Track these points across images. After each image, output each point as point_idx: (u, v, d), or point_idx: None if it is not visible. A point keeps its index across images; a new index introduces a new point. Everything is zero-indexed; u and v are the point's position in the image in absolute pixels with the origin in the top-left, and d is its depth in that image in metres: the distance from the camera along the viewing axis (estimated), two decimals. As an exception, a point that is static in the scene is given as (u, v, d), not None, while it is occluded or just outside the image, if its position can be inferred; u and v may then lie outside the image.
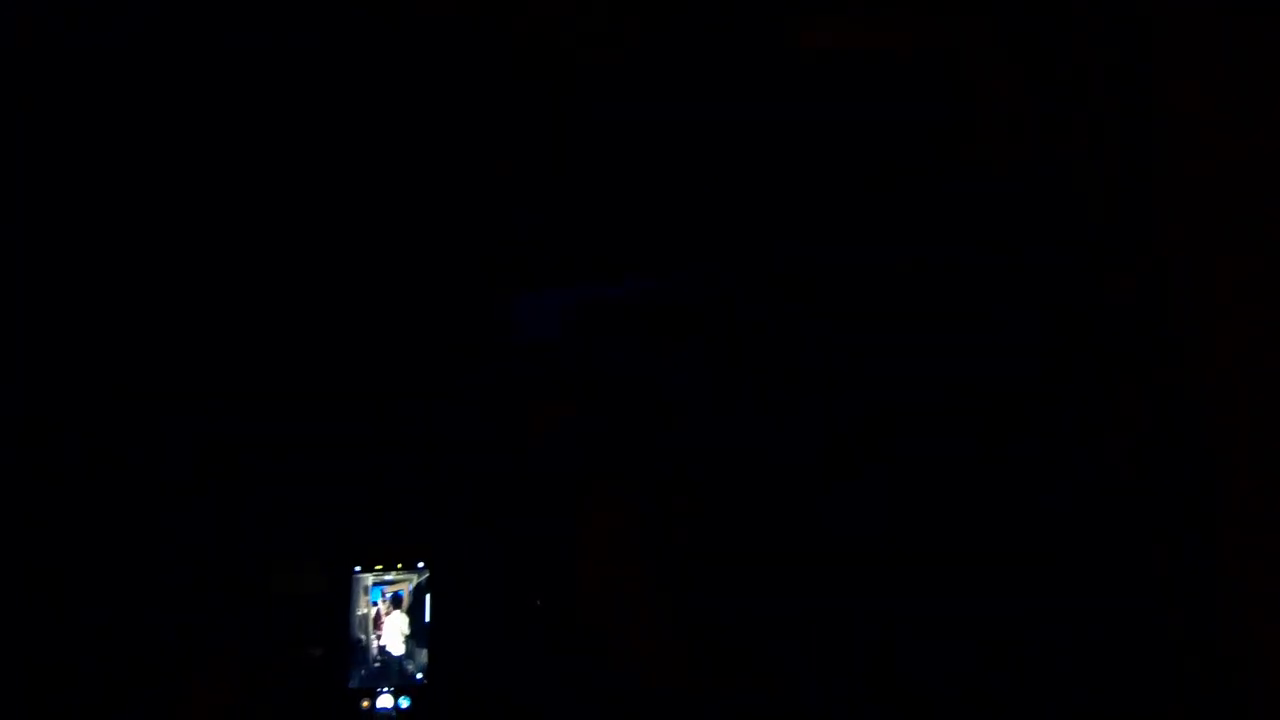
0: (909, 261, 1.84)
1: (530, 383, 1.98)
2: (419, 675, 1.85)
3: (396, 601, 1.88)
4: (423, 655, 1.86)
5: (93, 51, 1.72)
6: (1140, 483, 1.54)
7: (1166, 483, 1.50)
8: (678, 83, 1.84)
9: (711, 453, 1.89)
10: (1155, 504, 1.51)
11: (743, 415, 1.92)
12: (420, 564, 1.89)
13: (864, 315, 1.86)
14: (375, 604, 1.87)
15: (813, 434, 1.85)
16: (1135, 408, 1.57)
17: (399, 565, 1.90)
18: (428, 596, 1.88)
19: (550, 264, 2.01)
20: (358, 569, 1.89)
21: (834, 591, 1.72)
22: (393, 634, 1.86)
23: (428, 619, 1.87)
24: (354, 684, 1.84)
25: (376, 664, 1.85)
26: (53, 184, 1.85)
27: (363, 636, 1.86)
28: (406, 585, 1.88)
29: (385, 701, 1.83)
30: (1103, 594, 1.56)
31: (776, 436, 1.88)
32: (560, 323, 2.00)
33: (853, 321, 1.86)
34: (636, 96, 1.85)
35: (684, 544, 1.82)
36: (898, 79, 1.82)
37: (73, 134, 1.83)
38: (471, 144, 1.95)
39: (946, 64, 1.81)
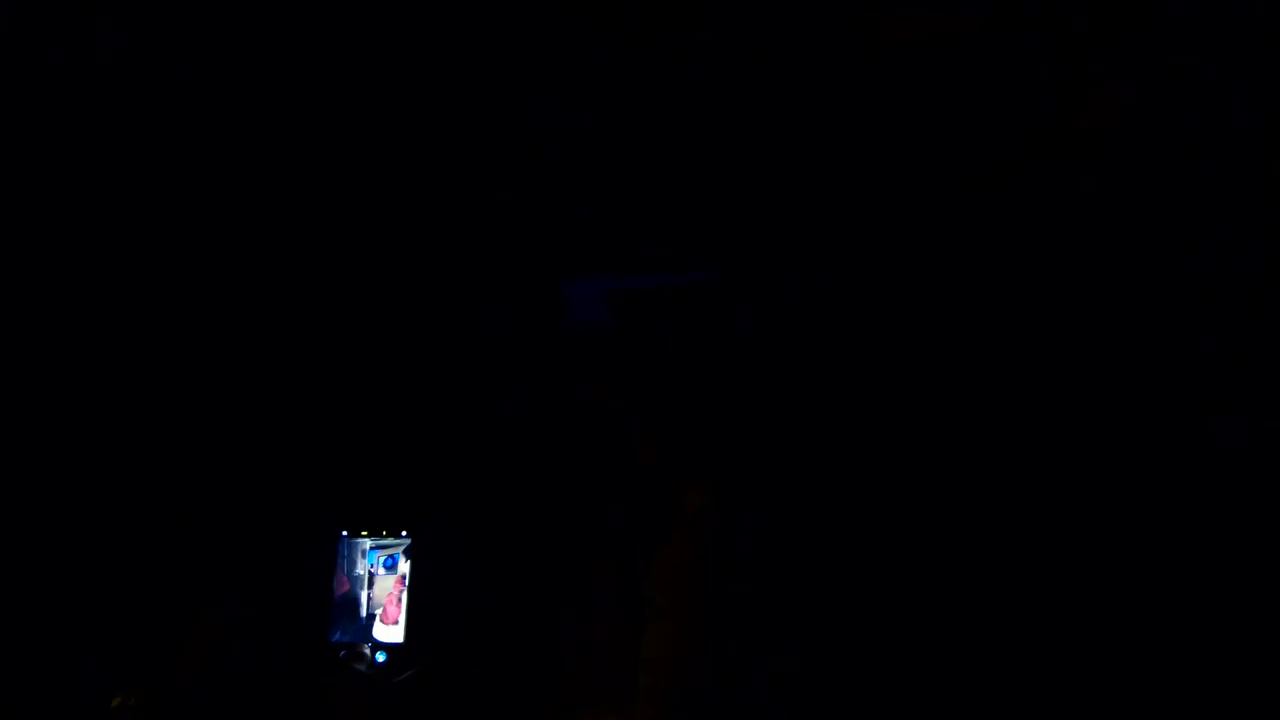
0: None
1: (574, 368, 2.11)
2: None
3: (389, 566, 2.04)
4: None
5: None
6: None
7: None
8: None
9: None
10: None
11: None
12: (403, 532, 2.06)
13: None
14: (371, 566, 2.04)
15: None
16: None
17: (383, 532, 2.06)
18: (408, 563, 2.04)
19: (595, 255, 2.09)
20: (344, 533, 2.05)
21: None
22: (379, 594, 2.02)
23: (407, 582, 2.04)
24: (335, 638, 2.00)
25: (360, 620, 2.01)
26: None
27: (355, 595, 2.02)
28: (397, 551, 2.05)
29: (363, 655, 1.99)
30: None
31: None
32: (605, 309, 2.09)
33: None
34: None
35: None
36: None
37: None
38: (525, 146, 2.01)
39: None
